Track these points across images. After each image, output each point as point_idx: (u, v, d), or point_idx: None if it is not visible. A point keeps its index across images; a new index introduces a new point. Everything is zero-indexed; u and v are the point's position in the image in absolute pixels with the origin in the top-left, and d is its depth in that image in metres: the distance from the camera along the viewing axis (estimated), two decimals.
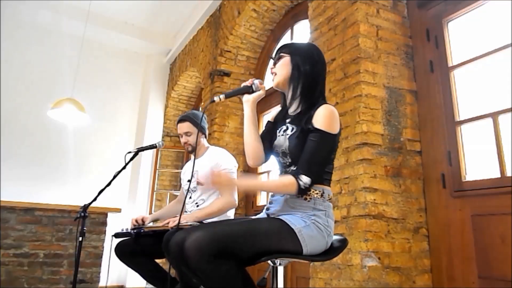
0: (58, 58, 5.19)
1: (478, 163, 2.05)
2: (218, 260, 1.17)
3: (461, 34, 2.25)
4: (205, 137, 2.47)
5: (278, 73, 1.48)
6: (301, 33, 3.68)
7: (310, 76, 1.43)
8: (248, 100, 1.50)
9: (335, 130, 1.34)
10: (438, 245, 2.09)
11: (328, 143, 1.33)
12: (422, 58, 2.36)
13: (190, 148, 2.39)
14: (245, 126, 1.51)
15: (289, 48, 1.49)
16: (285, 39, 3.96)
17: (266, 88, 1.55)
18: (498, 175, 1.89)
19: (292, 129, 1.43)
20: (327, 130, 1.32)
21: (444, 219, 2.08)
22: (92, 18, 4.89)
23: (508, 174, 1.85)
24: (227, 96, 1.47)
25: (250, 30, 4.13)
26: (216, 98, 1.44)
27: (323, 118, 1.33)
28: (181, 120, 2.38)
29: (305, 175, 1.29)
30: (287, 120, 1.49)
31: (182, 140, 2.38)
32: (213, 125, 4.09)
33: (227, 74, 4.22)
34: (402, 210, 2.13)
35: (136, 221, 2.27)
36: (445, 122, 2.17)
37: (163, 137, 5.61)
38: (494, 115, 1.95)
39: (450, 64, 2.22)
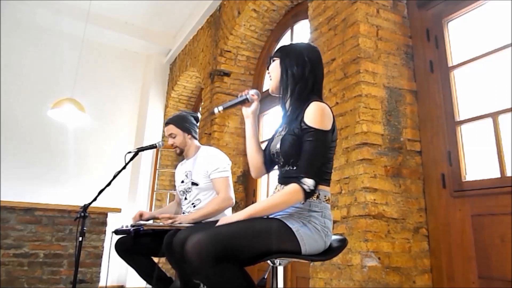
0: (58, 58, 5.19)
1: (478, 163, 2.05)
2: (221, 263, 1.16)
3: (461, 34, 2.25)
4: (194, 137, 2.47)
5: (272, 77, 1.51)
6: (301, 33, 3.68)
7: (299, 78, 1.43)
8: (248, 116, 1.56)
9: (327, 126, 1.34)
10: (438, 245, 2.09)
11: (323, 140, 1.33)
12: (422, 58, 2.36)
13: (178, 151, 2.43)
14: (246, 139, 1.56)
15: (281, 51, 1.50)
16: (285, 39, 3.96)
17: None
18: (498, 175, 1.89)
19: (284, 128, 1.45)
20: (319, 127, 1.32)
21: (444, 219, 2.08)
22: (92, 18, 4.88)
23: (508, 174, 1.85)
24: (225, 108, 1.53)
25: (250, 30, 4.13)
26: (216, 110, 1.50)
27: (314, 115, 1.33)
28: (166, 124, 2.44)
29: (307, 177, 1.28)
30: (283, 122, 1.51)
31: (169, 143, 2.43)
32: (213, 125, 4.08)
33: (227, 74, 4.21)
34: (402, 210, 2.13)
35: (136, 217, 2.30)
36: (445, 122, 2.17)
37: (163, 137, 5.61)
38: (494, 115, 1.95)
39: (450, 64, 2.22)
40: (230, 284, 1.18)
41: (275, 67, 1.49)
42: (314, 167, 1.30)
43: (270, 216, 1.40)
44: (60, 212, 3.29)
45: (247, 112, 1.55)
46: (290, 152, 1.36)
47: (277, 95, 1.53)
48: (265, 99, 3.25)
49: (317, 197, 1.36)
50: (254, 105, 1.55)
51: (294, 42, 1.61)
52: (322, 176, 1.37)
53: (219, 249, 1.16)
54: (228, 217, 1.34)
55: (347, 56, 2.33)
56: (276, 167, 1.55)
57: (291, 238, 1.27)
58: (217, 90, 4.17)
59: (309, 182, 1.28)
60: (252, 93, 1.54)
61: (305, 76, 1.43)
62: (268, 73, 1.54)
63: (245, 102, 1.54)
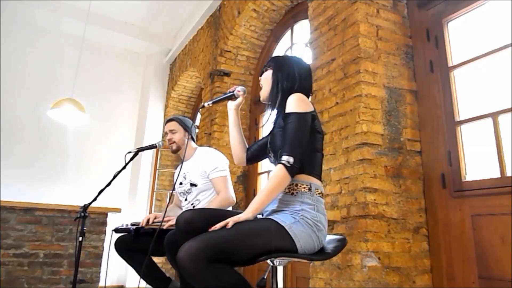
0: (58, 58, 5.19)
1: (478, 163, 2.05)
2: (214, 265, 1.16)
3: (461, 34, 2.25)
4: (193, 139, 2.50)
5: (263, 86, 1.60)
6: (301, 33, 3.68)
7: (288, 92, 1.50)
8: (230, 109, 1.70)
9: (304, 108, 1.40)
10: (438, 245, 2.09)
11: (302, 121, 1.39)
12: (422, 58, 2.36)
13: (174, 147, 2.43)
14: (230, 128, 1.71)
15: (274, 63, 1.59)
16: (285, 39, 3.96)
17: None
18: (498, 175, 1.89)
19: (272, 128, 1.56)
20: (296, 111, 1.39)
21: (444, 219, 2.08)
22: (92, 18, 4.88)
23: (508, 174, 1.85)
24: (214, 102, 1.69)
25: (250, 30, 4.13)
26: (206, 104, 1.67)
27: (291, 103, 1.41)
28: (168, 120, 2.49)
29: (286, 154, 1.33)
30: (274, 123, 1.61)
31: (167, 138, 2.44)
32: (213, 125, 4.08)
33: (227, 74, 4.21)
34: (402, 210, 2.13)
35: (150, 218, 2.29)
36: (445, 122, 2.17)
37: (163, 137, 5.60)
38: (494, 115, 1.95)
39: (450, 64, 2.22)
40: (226, 285, 1.18)
41: (267, 77, 1.58)
42: (294, 146, 1.35)
43: (264, 213, 1.44)
44: (60, 212, 3.29)
45: (231, 105, 1.70)
46: (277, 146, 1.44)
47: (267, 103, 1.61)
48: None
49: (309, 189, 1.37)
50: (239, 100, 1.69)
51: (287, 54, 1.71)
52: (311, 165, 1.41)
53: (211, 253, 1.16)
54: (236, 217, 1.30)
55: (347, 56, 2.33)
56: (259, 161, 1.73)
57: (285, 236, 1.27)
58: (217, 90, 4.17)
59: (288, 159, 1.32)
60: (238, 89, 1.68)
61: (293, 91, 1.50)
62: (260, 80, 1.62)
63: (232, 97, 1.69)
